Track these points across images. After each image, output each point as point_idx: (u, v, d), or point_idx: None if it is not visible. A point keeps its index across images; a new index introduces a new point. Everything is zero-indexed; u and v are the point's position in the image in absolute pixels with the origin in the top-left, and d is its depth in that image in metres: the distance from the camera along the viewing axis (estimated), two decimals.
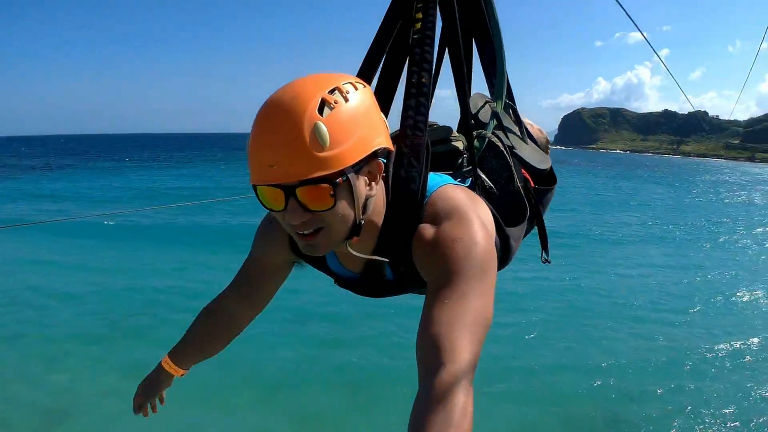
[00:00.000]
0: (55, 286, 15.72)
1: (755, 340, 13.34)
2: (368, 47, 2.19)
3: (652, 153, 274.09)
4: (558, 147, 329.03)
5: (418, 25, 2.07)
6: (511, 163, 2.39)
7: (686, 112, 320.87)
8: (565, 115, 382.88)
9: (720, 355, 12.37)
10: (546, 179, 2.67)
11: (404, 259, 1.76)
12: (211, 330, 2.34)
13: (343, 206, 1.56)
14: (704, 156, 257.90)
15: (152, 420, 2.54)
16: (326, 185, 1.49)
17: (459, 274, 1.57)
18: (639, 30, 4.18)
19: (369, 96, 1.63)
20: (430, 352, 1.45)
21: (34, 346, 11.66)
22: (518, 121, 2.75)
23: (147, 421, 2.49)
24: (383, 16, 2.19)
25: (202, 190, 44.44)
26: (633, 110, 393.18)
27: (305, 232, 1.59)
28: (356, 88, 1.58)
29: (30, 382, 10.15)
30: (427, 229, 1.69)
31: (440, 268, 1.60)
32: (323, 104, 1.47)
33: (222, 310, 2.29)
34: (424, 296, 1.93)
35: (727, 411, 9.90)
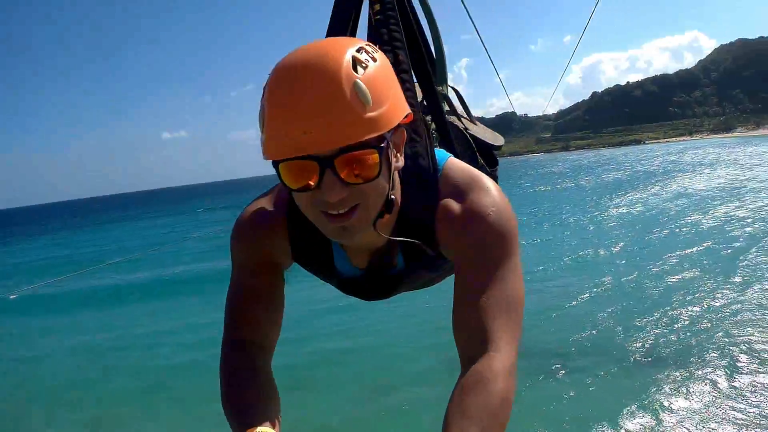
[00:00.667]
0: (11, 353, 16.41)
1: (607, 278, 16.91)
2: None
3: None
4: None
5: (378, 7, 1.98)
6: (472, 143, 2.35)
7: (494, 116, 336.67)
8: None
9: (582, 300, 15.40)
10: (489, 160, 2.48)
11: (428, 240, 1.61)
12: (258, 375, 1.61)
13: (383, 177, 1.39)
14: (518, 154, 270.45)
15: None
16: (372, 151, 1.32)
17: (495, 251, 1.49)
18: (476, 30, 4.06)
19: (387, 59, 1.46)
20: (472, 339, 1.42)
21: (26, 405, 12.49)
22: (463, 104, 2.71)
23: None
24: (333, 5, 2.07)
25: (72, 257, 42.01)
26: None
27: (341, 211, 1.37)
28: (377, 50, 1.42)
29: None
30: (453, 204, 1.56)
31: (476, 244, 1.51)
32: (355, 63, 1.31)
33: (252, 349, 1.67)
34: (415, 291, 2.03)
35: (595, 331, 12.91)
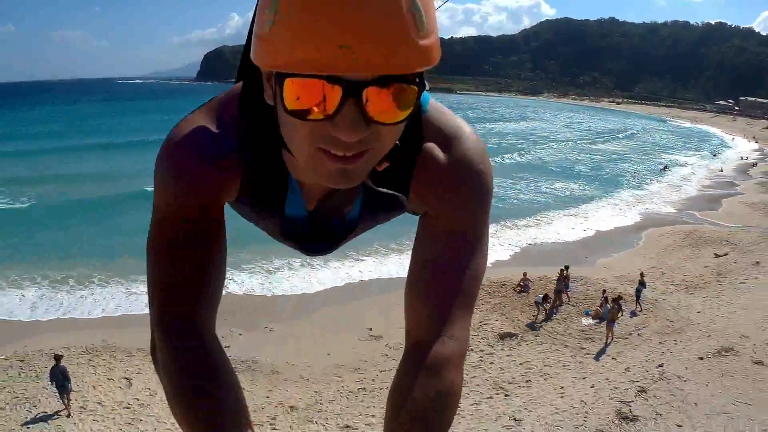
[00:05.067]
0: None
1: None
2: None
3: None
4: (204, 82, 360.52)
5: None
6: None
7: None
8: (206, 53, 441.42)
9: None
10: None
11: (402, 189, 1.29)
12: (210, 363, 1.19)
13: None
14: None
15: None
16: (412, 88, 0.95)
17: (476, 214, 1.29)
18: None
19: None
20: (431, 318, 1.22)
21: None
22: None
23: None
24: None
25: None
26: None
27: (348, 154, 0.97)
28: None
29: None
30: (438, 153, 1.27)
31: (459, 203, 1.27)
32: None
33: (203, 326, 1.24)
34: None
35: None
